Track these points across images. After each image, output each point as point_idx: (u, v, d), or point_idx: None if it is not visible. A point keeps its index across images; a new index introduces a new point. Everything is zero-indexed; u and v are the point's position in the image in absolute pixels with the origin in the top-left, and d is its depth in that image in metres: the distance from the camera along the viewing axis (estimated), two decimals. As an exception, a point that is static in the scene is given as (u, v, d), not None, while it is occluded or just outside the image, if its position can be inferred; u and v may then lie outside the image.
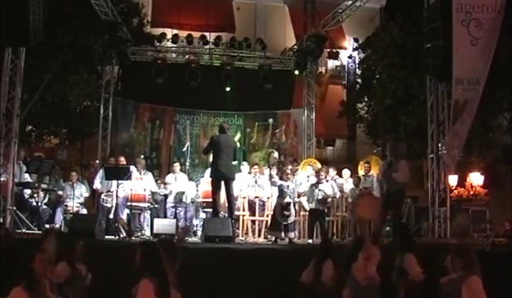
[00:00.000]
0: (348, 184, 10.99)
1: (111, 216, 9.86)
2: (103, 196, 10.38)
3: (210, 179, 9.60)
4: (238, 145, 11.71)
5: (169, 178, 11.19)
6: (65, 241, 5.75)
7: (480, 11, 9.06)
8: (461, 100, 9.14)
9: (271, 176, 10.18)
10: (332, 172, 10.98)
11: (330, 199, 10.11)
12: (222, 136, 9.71)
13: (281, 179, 9.63)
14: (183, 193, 10.85)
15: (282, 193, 9.42)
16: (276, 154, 12.26)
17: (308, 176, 10.74)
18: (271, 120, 14.35)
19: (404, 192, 9.44)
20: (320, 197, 9.73)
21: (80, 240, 5.72)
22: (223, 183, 9.38)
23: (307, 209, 10.05)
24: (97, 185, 10.64)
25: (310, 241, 9.59)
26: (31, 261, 4.41)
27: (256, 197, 10.43)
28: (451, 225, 9.63)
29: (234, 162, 9.86)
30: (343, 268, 5.19)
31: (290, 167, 11.19)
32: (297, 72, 14.10)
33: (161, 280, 4.13)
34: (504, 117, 13.38)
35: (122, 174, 9.66)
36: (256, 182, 10.64)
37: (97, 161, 12.68)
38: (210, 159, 9.91)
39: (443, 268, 4.82)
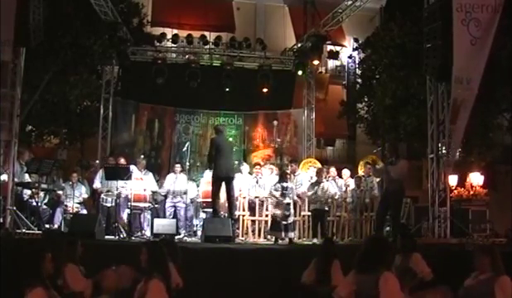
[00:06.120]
0: (348, 184, 10.98)
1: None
2: (103, 196, 10.39)
3: (211, 179, 9.60)
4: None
5: (169, 178, 11.19)
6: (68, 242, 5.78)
7: (479, 10, 9.05)
8: (459, 99, 9.14)
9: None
10: (334, 172, 10.97)
11: (330, 199, 10.11)
12: (220, 137, 9.74)
13: (281, 179, 9.64)
14: (184, 192, 10.84)
15: (282, 193, 9.41)
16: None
17: (311, 177, 10.74)
18: (275, 122, 14.33)
19: (403, 191, 9.42)
20: (321, 197, 9.74)
21: (79, 240, 5.74)
22: (223, 183, 9.40)
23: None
24: (97, 184, 10.64)
25: (315, 240, 9.60)
26: (40, 262, 4.41)
27: (256, 197, 10.43)
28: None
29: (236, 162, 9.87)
30: None
31: (290, 167, 11.22)
32: (300, 72, 14.08)
33: (168, 279, 4.16)
34: (504, 117, 13.35)
35: (122, 174, 9.66)
36: (257, 182, 10.63)
37: (97, 161, 12.68)
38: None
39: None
